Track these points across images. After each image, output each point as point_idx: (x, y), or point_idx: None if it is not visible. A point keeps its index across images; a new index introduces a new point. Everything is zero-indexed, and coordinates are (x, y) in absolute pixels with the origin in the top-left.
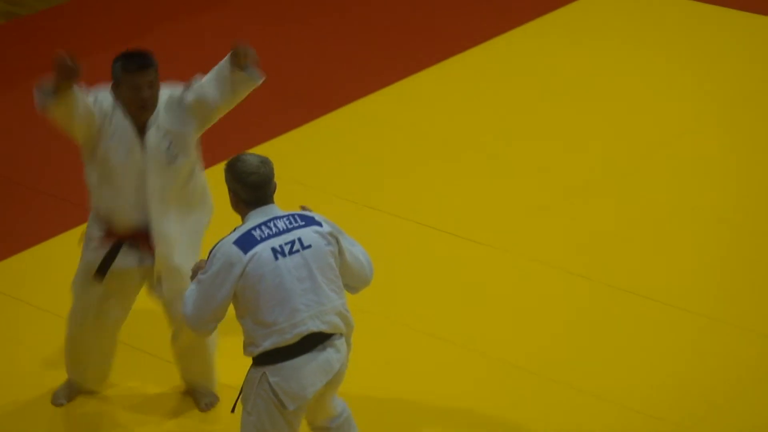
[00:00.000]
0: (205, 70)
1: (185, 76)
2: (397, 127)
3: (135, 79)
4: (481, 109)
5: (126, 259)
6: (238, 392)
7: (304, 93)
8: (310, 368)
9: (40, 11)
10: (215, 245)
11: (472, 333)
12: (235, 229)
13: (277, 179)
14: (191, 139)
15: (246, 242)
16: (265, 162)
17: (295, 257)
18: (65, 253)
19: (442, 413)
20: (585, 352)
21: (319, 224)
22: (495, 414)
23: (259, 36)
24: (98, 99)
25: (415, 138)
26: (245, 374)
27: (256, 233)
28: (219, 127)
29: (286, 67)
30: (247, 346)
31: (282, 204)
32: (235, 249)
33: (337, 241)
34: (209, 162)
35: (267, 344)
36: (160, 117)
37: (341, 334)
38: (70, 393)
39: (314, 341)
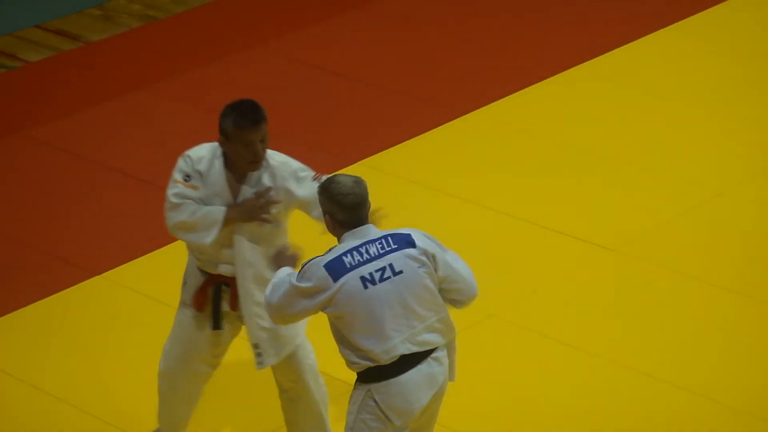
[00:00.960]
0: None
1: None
2: (531, 131)
3: (248, 135)
4: (615, 116)
5: (225, 304)
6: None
7: (436, 96)
8: (414, 384)
9: (176, 14)
10: (308, 261)
11: (605, 341)
12: (330, 249)
13: (408, 183)
14: (283, 216)
15: (336, 268)
16: (359, 182)
17: (386, 284)
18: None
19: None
20: (710, 359)
21: (413, 245)
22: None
23: (393, 39)
24: (195, 162)
25: (548, 143)
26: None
27: (347, 260)
28: (351, 127)
29: (416, 69)
30: (348, 363)
31: (415, 209)
32: (325, 274)
33: (433, 258)
34: (343, 162)
35: (365, 363)
36: (264, 178)
37: (441, 347)
38: None
39: (415, 359)
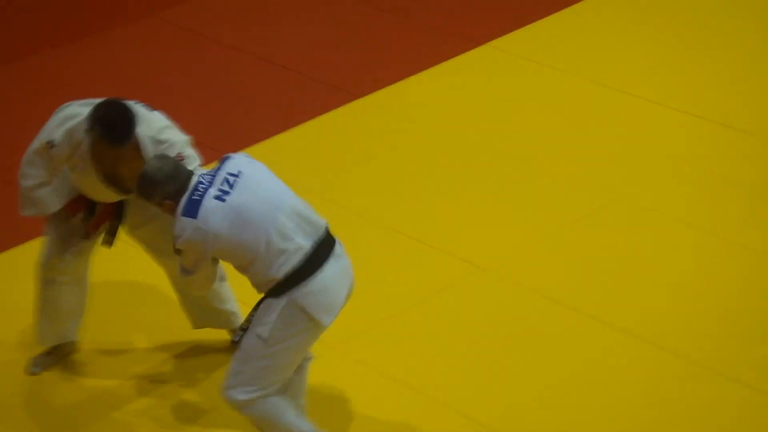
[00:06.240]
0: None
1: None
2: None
3: (112, 151)
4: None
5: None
6: (244, 323)
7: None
8: (333, 276)
9: None
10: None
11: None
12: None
13: (535, 64)
14: None
15: (191, 207)
16: (160, 156)
17: (238, 185)
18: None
19: None
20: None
21: (231, 156)
22: None
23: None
24: (72, 134)
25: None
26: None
27: (195, 197)
28: (475, 9)
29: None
30: (263, 283)
31: (542, 90)
32: (186, 220)
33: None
34: (470, 45)
35: (286, 269)
36: None
37: (336, 240)
38: (45, 361)
39: (323, 253)
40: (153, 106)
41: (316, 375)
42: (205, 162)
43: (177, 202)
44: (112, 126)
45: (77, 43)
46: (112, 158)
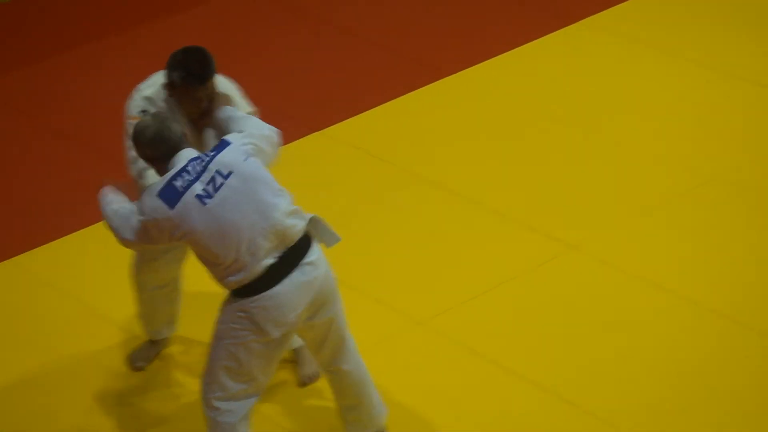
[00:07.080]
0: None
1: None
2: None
3: (196, 93)
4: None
5: None
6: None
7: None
8: (288, 292)
9: None
10: (144, 192)
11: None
12: (161, 179)
13: (633, 42)
14: None
15: (170, 195)
16: (156, 115)
17: (223, 192)
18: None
19: None
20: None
21: (228, 143)
22: None
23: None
24: (151, 101)
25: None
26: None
27: (178, 183)
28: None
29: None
30: (219, 282)
31: (639, 69)
32: (160, 203)
33: (254, 144)
34: (568, 21)
35: (240, 277)
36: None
37: (313, 244)
38: (148, 354)
39: (289, 264)
40: (244, 79)
41: (404, 350)
42: (291, 137)
43: (158, 169)
44: (191, 66)
45: (172, 17)
46: (192, 104)
